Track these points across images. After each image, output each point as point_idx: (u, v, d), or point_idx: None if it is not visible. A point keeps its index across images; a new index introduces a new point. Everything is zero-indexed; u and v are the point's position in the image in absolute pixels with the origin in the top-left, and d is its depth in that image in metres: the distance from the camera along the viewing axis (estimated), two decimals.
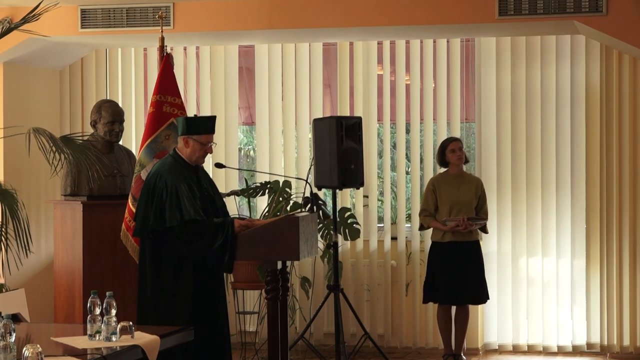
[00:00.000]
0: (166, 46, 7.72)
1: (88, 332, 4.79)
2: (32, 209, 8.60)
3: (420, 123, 9.35)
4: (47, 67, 9.20)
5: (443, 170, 8.52)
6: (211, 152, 6.48)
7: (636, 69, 8.71)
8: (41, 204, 8.98)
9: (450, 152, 8.37)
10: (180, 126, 6.45)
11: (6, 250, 7.09)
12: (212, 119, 6.58)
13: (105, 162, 7.68)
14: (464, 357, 8.50)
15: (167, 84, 7.43)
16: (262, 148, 9.54)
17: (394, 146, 9.45)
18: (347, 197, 9.34)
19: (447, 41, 9.22)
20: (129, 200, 7.28)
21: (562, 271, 9.05)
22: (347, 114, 9.28)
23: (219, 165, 7.02)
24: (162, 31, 7.80)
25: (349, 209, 9.01)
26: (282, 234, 6.33)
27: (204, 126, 6.44)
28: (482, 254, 8.42)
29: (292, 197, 8.81)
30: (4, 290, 7.24)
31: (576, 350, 9.00)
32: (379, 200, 9.58)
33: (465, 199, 8.31)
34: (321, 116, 9.10)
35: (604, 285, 8.82)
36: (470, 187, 8.36)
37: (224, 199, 6.98)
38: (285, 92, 9.47)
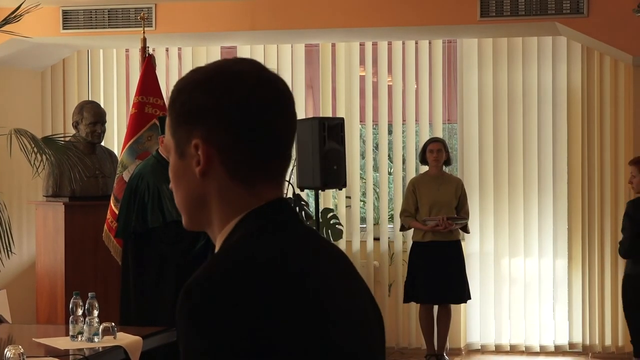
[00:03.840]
0: (148, 47, 7.71)
1: (70, 333, 4.79)
2: (13, 210, 8.57)
3: (403, 124, 9.37)
4: (28, 68, 9.17)
5: (424, 170, 8.56)
6: None
7: (617, 70, 8.75)
8: (23, 205, 8.96)
9: (428, 152, 8.41)
10: (162, 126, 6.45)
11: None
12: None
13: (87, 163, 7.66)
14: (446, 357, 8.52)
15: (149, 85, 7.43)
16: None
17: (376, 147, 9.47)
18: (330, 198, 9.35)
19: (429, 42, 9.24)
20: (111, 201, 7.27)
21: (544, 271, 9.08)
22: (330, 115, 9.29)
23: None
24: (144, 32, 7.79)
25: (332, 210, 9.01)
26: None
27: None
28: (464, 253, 8.45)
29: None
30: None
31: (558, 350, 9.03)
32: (361, 201, 9.60)
33: (444, 199, 8.34)
34: (303, 117, 9.10)
35: (586, 285, 8.86)
36: (450, 188, 8.39)
37: None
38: None
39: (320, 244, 1.82)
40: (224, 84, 1.73)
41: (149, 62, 7.50)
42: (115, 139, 9.46)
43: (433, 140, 8.48)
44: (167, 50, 9.50)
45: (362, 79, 9.41)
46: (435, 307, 8.48)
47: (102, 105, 8.24)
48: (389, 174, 9.78)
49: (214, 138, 1.73)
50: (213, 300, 1.63)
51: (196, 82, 1.75)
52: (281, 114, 1.77)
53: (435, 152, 8.36)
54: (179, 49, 9.51)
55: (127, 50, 9.59)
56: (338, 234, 8.80)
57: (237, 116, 1.72)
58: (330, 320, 1.70)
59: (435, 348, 8.49)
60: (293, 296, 1.66)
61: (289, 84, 1.79)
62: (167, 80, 9.43)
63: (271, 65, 9.46)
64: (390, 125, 9.43)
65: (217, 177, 1.75)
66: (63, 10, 8.50)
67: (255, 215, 1.75)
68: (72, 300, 4.81)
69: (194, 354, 1.63)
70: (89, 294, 4.78)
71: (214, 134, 1.73)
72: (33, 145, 7.03)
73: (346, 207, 9.33)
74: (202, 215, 1.78)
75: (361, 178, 9.56)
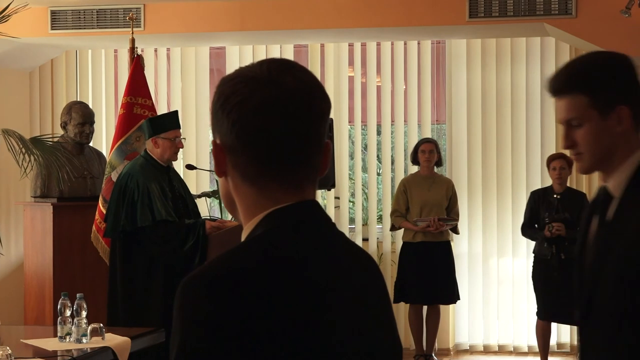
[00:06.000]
0: (137, 48, 7.70)
1: (58, 334, 4.78)
2: (1, 210, 8.56)
3: (391, 125, 9.38)
4: (16, 68, 9.15)
5: (415, 171, 8.57)
6: (182, 147, 6.47)
7: None
8: (11, 205, 8.93)
9: (420, 152, 8.42)
10: (146, 129, 6.44)
11: None
12: (174, 114, 6.58)
13: (76, 163, 7.65)
14: (435, 358, 8.53)
15: (137, 86, 7.41)
16: None
17: (365, 147, 9.47)
18: (319, 199, 9.32)
19: (418, 43, 9.25)
20: (100, 202, 7.25)
21: (532, 271, 9.08)
22: None
23: (190, 167, 7.00)
24: (132, 33, 7.77)
25: None
26: None
27: (168, 122, 6.44)
28: (453, 254, 8.46)
29: None
30: None
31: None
32: (350, 201, 9.60)
33: (435, 200, 8.35)
34: None
35: None
36: (441, 188, 8.40)
37: (196, 200, 6.97)
38: None
39: (337, 249, 1.81)
40: (232, 87, 1.75)
41: (137, 63, 7.49)
42: (103, 140, 9.45)
43: (425, 141, 8.49)
44: (155, 50, 9.49)
45: (351, 79, 9.42)
46: (425, 308, 8.50)
47: (90, 106, 8.23)
48: (378, 174, 9.78)
49: (224, 139, 1.76)
50: (209, 292, 1.68)
51: (218, 83, 1.79)
52: (287, 120, 1.74)
53: (427, 152, 8.38)
54: (168, 49, 9.50)
55: (115, 51, 9.57)
56: None
57: (237, 119, 1.74)
58: (330, 326, 1.71)
59: (424, 348, 8.50)
60: (290, 300, 1.68)
61: None
62: (156, 81, 9.41)
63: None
64: (379, 126, 9.44)
65: (232, 176, 1.79)
66: (51, 11, 8.48)
67: (269, 218, 1.76)
68: (60, 301, 4.80)
69: (186, 339, 1.68)
70: (77, 295, 4.77)
71: (223, 135, 1.76)
72: (21, 146, 7.01)
73: (335, 207, 9.33)
74: (234, 210, 1.83)
75: (350, 178, 9.56)
